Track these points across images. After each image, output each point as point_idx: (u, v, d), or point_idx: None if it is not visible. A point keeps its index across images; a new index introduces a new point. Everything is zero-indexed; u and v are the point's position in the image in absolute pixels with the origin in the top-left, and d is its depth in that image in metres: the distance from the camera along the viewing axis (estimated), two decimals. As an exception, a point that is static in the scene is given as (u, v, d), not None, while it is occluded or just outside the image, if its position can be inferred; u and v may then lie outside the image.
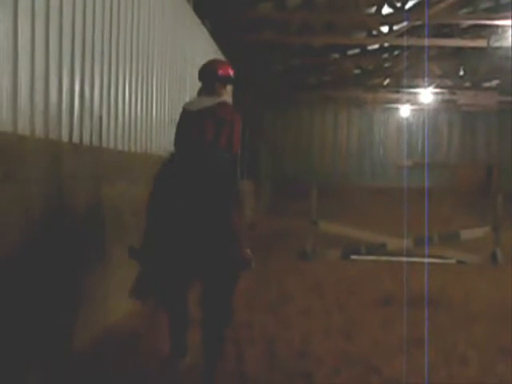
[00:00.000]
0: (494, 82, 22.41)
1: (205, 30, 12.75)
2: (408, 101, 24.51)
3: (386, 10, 16.22)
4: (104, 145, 6.46)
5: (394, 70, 21.16)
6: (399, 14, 15.70)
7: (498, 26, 15.69)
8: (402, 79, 20.88)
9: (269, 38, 16.24)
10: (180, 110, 5.38)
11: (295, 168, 26.14)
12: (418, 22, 14.96)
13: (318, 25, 16.67)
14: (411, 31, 16.09)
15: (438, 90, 22.15)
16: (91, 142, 6.09)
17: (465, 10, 16.73)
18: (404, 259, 10.52)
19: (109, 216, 6.16)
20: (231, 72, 5.44)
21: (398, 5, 15.91)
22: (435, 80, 21.51)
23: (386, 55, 21.08)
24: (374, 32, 16.86)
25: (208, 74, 5.35)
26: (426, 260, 10.07)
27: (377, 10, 15.80)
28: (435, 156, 25.93)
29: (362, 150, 27.30)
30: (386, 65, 21.51)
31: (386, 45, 19.42)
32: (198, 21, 11.80)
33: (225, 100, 5.35)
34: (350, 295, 8.41)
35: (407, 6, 16.30)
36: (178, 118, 5.34)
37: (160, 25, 8.74)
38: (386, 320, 6.96)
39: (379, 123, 27.57)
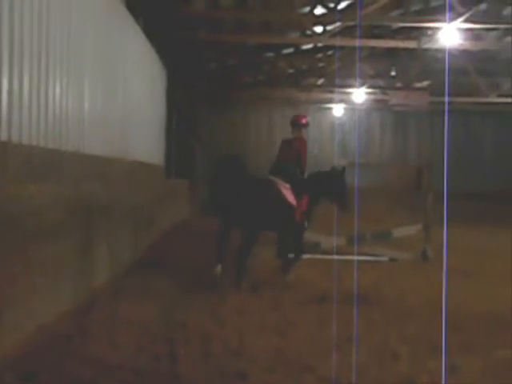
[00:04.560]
0: (425, 83, 22.87)
1: (138, 29, 12.62)
2: (341, 100, 24.79)
3: (319, 10, 16.36)
4: (34, 142, 6.32)
5: (328, 70, 21.37)
6: (332, 14, 15.85)
7: (428, 28, 16.03)
8: (336, 79, 21.12)
9: (203, 37, 16.17)
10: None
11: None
12: (351, 23, 15.16)
13: (252, 24, 16.71)
14: (344, 32, 16.29)
15: (370, 90, 22.48)
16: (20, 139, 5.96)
17: (396, 12, 17.02)
18: (337, 257, 10.62)
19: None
20: (305, 121, 10.08)
21: (331, 5, 16.07)
22: (368, 80, 21.83)
23: (319, 55, 21.28)
24: (308, 32, 16.99)
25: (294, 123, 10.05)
26: (356, 258, 10.18)
27: (310, 10, 15.92)
28: (368, 155, 26.31)
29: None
30: (320, 64, 21.72)
31: (319, 45, 19.60)
32: (131, 19, 11.67)
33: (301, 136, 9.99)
34: (285, 293, 8.44)
35: (340, 7, 16.48)
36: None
37: (92, 23, 8.61)
38: (320, 318, 7.00)
39: (313, 123, 27.75)
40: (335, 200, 9.91)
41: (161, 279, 9.08)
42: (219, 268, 8.71)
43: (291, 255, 9.71)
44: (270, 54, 20.63)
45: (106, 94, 9.59)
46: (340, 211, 10.01)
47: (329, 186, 9.81)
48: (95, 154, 8.60)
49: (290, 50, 20.75)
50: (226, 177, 8.73)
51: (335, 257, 10.61)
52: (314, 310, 7.47)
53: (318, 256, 11.38)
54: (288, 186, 9.22)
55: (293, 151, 9.69)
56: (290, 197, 9.17)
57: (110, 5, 9.80)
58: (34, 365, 5.15)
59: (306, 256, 10.33)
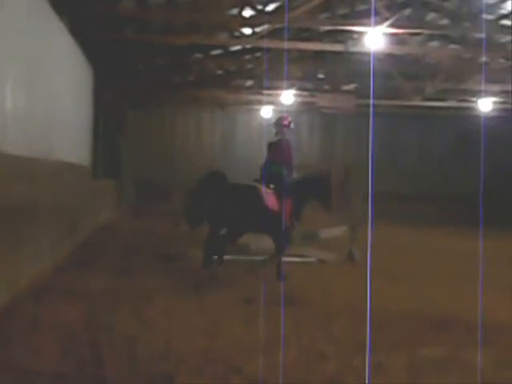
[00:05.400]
0: (352, 86, 23.18)
1: (63, 27, 12.37)
2: (270, 102, 24.88)
3: (248, 12, 16.39)
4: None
5: (256, 72, 21.41)
6: (260, 16, 15.90)
7: (354, 32, 16.25)
8: (264, 81, 21.17)
9: (130, 37, 15.97)
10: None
11: (158, 168, 25.88)
12: (279, 25, 15.22)
13: (180, 24, 16.58)
14: (273, 34, 16.35)
15: (298, 92, 22.64)
16: None
17: (324, 15, 17.19)
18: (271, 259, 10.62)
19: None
20: (287, 122, 10.39)
21: (260, 7, 16.12)
22: (296, 82, 21.97)
23: (248, 56, 21.31)
24: (237, 33, 16.99)
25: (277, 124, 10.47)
26: (285, 259, 10.23)
27: (239, 11, 15.92)
28: (296, 157, 26.49)
29: (226, 151, 27.45)
30: (249, 66, 21.74)
31: (248, 46, 19.63)
32: (55, 17, 11.42)
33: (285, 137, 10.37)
34: (213, 294, 8.41)
35: (268, 9, 16.55)
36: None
37: (12, 20, 8.38)
38: (248, 319, 7.00)
39: (242, 124, 27.84)
40: (322, 201, 10.36)
41: (86, 281, 8.93)
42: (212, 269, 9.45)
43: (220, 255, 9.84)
44: (199, 55, 20.54)
45: (29, 94, 9.36)
46: (325, 211, 10.61)
47: (317, 188, 10.27)
48: (16, 154, 8.37)
49: (219, 51, 20.71)
50: (210, 187, 9.44)
51: (262, 258, 10.62)
52: (241, 311, 7.47)
53: (248, 257, 11.38)
54: (270, 191, 9.73)
55: (278, 153, 10.14)
56: (270, 201, 9.61)
57: (31, 2, 9.56)
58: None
59: (234, 257, 10.33)
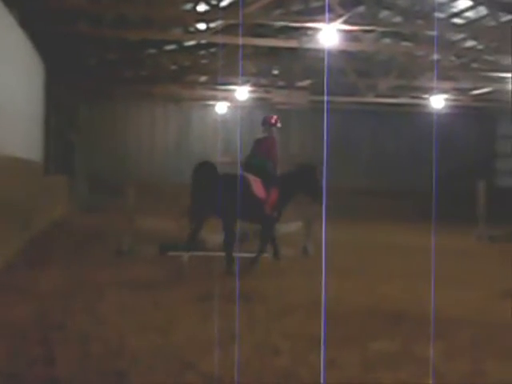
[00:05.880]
0: (306, 82, 23.27)
1: (12, 20, 12.13)
2: (224, 98, 24.83)
3: (202, 7, 16.33)
4: None
5: (211, 67, 21.34)
6: (215, 11, 15.85)
7: (308, 28, 16.31)
8: (219, 76, 21.11)
9: (83, 30, 15.73)
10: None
11: (111, 163, 25.62)
12: (234, 21, 15.18)
13: (133, 18, 16.41)
14: (228, 29, 16.30)
15: (253, 88, 22.64)
16: None
17: (278, 12, 17.21)
18: (221, 255, 10.59)
19: None
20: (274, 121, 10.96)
21: (214, 2, 16.07)
22: (251, 78, 21.98)
23: (202, 52, 21.22)
24: (191, 29, 16.90)
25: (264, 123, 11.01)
26: (239, 255, 10.22)
27: (193, 6, 15.85)
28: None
29: (180, 147, 27.32)
30: (203, 61, 21.65)
31: (202, 42, 19.54)
32: (4, 9, 11.20)
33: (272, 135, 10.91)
34: (167, 291, 8.36)
35: (223, 4, 16.50)
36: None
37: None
38: (203, 315, 6.97)
39: (197, 120, 27.72)
40: (310, 194, 10.86)
41: (37, 279, 8.80)
42: (186, 256, 9.78)
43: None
44: (153, 50, 20.38)
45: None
46: (313, 204, 11.19)
47: (302, 182, 10.80)
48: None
49: (173, 46, 20.58)
50: (201, 177, 9.93)
51: (219, 254, 10.59)
52: (196, 308, 7.44)
53: (203, 253, 11.35)
54: (259, 180, 10.20)
55: (263, 149, 10.64)
56: (258, 190, 10.13)
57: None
58: None
59: (190, 253, 10.28)
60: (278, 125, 11.06)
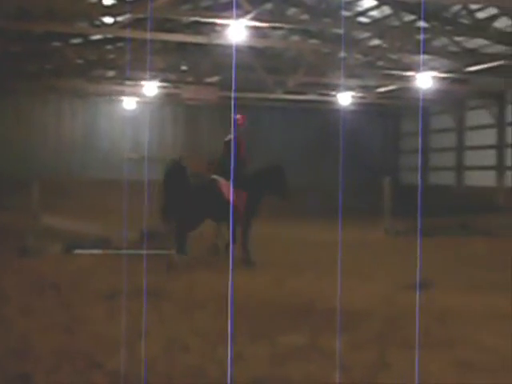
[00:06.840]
0: (215, 78, 23.24)
1: None
2: (133, 93, 24.48)
3: (109, 0, 16.03)
4: None
5: (119, 62, 20.99)
6: (122, 5, 15.60)
7: (217, 24, 16.27)
8: (127, 71, 20.79)
9: (-18, 22, 15.15)
10: None
11: (14, 160, 24.84)
12: (142, 15, 14.96)
13: (37, 11, 15.92)
14: (135, 23, 16.05)
15: (162, 84, 22.43)
16: None
17: (186, 7, 17.11)
18: (129, 252, 10.45)
19: None
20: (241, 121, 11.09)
21: (121, -4, 15.83)
22: (159, 73, 21.76)
23: (109, 46, 20.84)
24: (97, 22, 16.56)
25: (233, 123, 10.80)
26: (146, 252, 10.10)
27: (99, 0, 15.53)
28: (160, 149, 26.20)
29: (87, 143, 26.79)
30: (110, 56, 21.27)
31: (109, 36, 19.18)
32: None
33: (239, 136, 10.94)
34: (73, 290, 8.19)
35: (130, -2, 16.25)
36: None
37: None
38: (110, 314, 6.87)
39: (104, 115, 27.21)
40: (277, 191, 11.33)
41: None
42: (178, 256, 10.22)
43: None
44: (57, 43, 19.84)
45: None
46: (282, 201, 11.64)
47: (269, 181, 11.22)
48: None
49: (79, 39, 20.12)
50: (172, 181, 10.25)
51: (126, 251, 10.44)
52: (103, 306, 7.31)
53: (109, 251, 11.17)
54: (229, 183, 10.29)
55: (233, 150, 10.86)
56: (228, 193, 10.20)
57: None
58: None
59: (96, 251, 10.12)
60: (245, 125, 11.43)
